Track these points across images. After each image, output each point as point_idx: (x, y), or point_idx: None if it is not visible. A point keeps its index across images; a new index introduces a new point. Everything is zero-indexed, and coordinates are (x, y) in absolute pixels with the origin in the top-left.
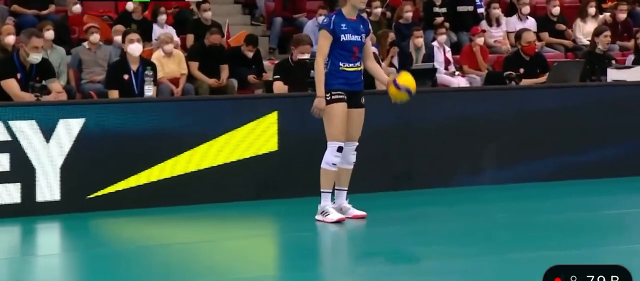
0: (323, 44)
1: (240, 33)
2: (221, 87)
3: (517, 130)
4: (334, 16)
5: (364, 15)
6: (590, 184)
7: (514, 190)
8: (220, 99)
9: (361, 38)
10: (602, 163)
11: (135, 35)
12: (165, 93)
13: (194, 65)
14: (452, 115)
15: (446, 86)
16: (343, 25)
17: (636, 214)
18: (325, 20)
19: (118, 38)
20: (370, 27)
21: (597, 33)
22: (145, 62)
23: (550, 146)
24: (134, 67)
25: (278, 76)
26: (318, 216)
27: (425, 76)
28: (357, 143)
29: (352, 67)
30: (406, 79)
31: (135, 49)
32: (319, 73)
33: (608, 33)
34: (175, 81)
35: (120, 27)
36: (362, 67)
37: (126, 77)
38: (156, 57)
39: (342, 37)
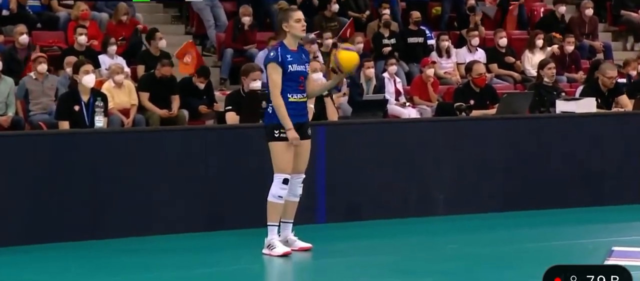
0: (275, 77)
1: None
2: (172, 118)
3: (468, 161)
4: (279, 48)
5: (315, 46)
6: (542, 215)
7: (464, 221)
8: (171, 130)
9: (305, 67)
10: (553, 194)
11: (89, 67)
12: (115, 124)
13: (145, 95)
14: (403, 146)
15: (397, 117)
16: (289, 56)
17: (585, 245)
18: (272, 54)
19: (69, 69)
20: (310, 57)
21: (541, 65)
22: (96, 92)
23: (501, 177)
24: (84, 97)
25: (230, 107)
26: (265, 250)
27: (376, 107)
28: (304, 176)
29: (300, 98)
30: (344, 58)
31: (89, 80)
32: (281, 107)
33: (552, 65)
34: (125, 112)
35: (71, 59)
36: (307, 99)
37: (77, 108)
38: (106, 87)
39: (290, 68)
